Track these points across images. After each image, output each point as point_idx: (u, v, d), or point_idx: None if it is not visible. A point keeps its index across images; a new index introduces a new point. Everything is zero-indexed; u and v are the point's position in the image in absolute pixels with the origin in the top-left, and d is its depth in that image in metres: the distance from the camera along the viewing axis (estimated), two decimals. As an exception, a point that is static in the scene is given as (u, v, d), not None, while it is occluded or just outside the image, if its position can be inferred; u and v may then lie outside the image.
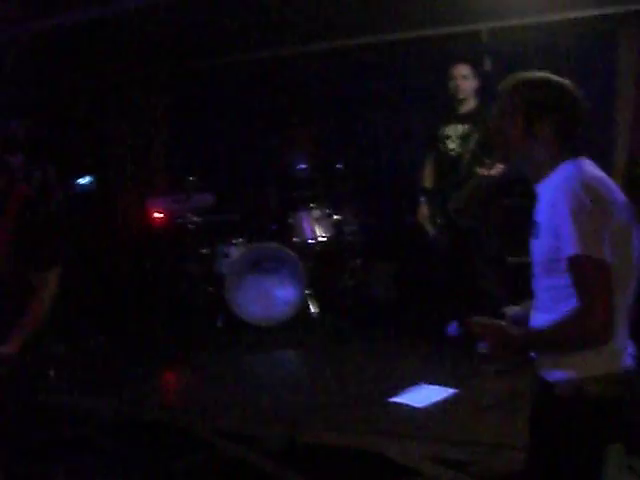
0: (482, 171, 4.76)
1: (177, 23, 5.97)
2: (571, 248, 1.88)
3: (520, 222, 2.44)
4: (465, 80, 5.03)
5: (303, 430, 3.65)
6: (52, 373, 5.28)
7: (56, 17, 5.56)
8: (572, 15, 5.70)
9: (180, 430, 4.00)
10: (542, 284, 2.08)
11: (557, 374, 2.03)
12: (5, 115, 6.14)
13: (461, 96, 5.05)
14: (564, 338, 1.95)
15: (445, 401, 3.88)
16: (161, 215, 6.68)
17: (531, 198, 2.16)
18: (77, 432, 4.27)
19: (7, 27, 5.66)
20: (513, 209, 5.06)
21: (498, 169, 4.66)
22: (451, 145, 5.08)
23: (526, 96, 2.07)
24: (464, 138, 5.01)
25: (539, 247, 2.06)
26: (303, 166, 6.58)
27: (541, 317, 2.07)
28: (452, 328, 5.06)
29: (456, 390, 4.00)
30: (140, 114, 7.69)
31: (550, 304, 2.04)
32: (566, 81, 2.10)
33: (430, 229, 5.27)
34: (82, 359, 5.22)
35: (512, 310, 2.32)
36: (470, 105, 5.07)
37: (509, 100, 2.11)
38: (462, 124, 5.03)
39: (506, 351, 2.08)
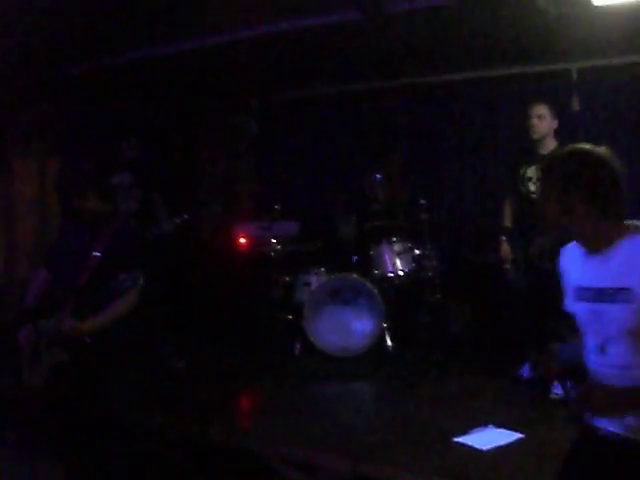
0: None
1: (267, 56, 6.16)
2: None
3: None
4: (541, 120, 4.89)
5: (366, 463, 3.67)
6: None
7: (157, 47, 5.84)
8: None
9: (246, 454, 4.09)
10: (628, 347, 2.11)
11: None
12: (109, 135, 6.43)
13: (535, 136, 4.93)
14: None
15: (510, 446, 3.82)
16: (245, 241, 6.89)
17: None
18: (145, 446, 4.43)
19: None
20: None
21: None
22: (532, 187, 4.96)
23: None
24: None
25: (628, 312, 2.09)
26: (379, 176, 6.63)
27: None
28: (525, 370, 4.98)
29: (522, 435, 3.92)
30: (229, 142, 7.95)
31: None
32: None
33: (509, 268, 5.21)
34: (160, 381, 5.38)
35: (558, 346, 2.33)
36: (549, 146, 4.90)
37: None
38: None
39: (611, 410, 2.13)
